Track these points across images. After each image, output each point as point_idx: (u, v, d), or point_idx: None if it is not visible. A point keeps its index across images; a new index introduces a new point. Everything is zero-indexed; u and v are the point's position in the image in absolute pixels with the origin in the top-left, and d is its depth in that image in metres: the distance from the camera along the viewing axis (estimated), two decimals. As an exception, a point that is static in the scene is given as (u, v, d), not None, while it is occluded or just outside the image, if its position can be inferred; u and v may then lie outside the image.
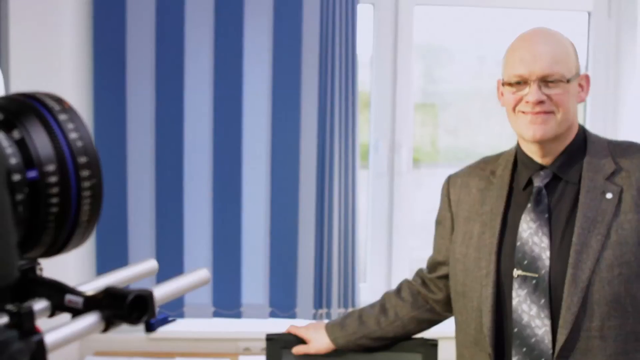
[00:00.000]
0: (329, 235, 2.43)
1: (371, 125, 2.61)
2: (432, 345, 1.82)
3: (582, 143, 1.61)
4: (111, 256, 2.39)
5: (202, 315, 2.44)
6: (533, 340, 1.52)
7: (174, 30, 2.37)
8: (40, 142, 0.52)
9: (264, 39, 2.41)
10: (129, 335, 2.43)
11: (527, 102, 1.54)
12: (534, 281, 1.53)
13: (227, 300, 2.44)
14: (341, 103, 2.41)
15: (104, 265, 2.39)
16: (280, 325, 2.13)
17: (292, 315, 2.45)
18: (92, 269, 2.42)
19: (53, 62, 2.25)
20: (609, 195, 1.53)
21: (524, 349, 1.53)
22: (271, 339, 1.87)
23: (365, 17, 2.56)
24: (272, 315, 2.46)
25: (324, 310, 2.46)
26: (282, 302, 2.45)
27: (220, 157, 2.42)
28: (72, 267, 2.31)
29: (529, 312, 1.53)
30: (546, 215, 1.56)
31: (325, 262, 2.43)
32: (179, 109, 2.39)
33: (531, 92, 1.53)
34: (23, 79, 2.06)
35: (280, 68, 2.41)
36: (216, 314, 2.46)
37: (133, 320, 0.58)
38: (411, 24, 2.58)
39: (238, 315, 2.45)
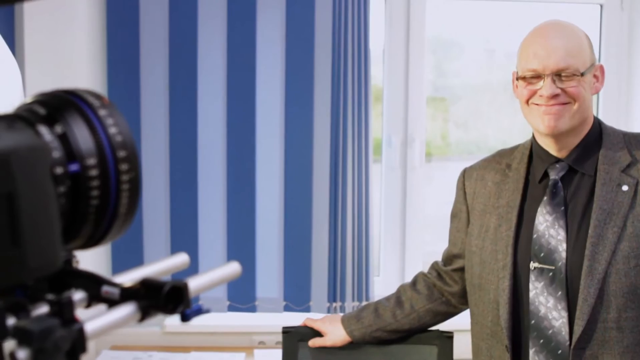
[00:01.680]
0: (342, 229, 2.44)
1: (384, 119, 2.61)
2: (448, 337, 1.84)
3: (597, 135, 1.61)
4: (126, 252, 2.40)
5: (217, 309, 2.46)
6: (550, 332, 1.52)
7: (187, 25, 2.38)
8: (82, 137, 0.53)
9: (276, 33, 2.41)
10: (145, 329, 2.45)
11: (541, 95, 1.54)
12: (550, 273, 1.54)
13: (241, 294, 2.46)
14: (354, 97, 2.42)
15: (119, 263, 2.41)
16: (294, 319, 2.15)
17: (307, 309, 2.46)
18: (107, 266, 2.43)
19: (67, 62, 2.27)
20: (624, 188, 1.53)
21: (541, 341, 1.53)
22: (287, 331, 1.88)
23: (377, 11, 2.56)
24: (287, 309, 2.47)
25: (338, 304, 2.47)
26: (296, 295, 2.47)
27: (234, 152, 2.43)
28: (88, 265, 2.32)
29: (546, 304, 1.53)
30: (562, 208, 1.56)
31: (339, 256, 2.44)
32: (193, 104, 2.40)
33: (545, 86, 1.53)
34: (37, 77, 2.08)
35: (292, 63, 2.41)
36: (231, 308, 2.47)
37: (169, 310, 0.59)
38: (423, 17, 2.58)
39: (253, 309, 2.47)
